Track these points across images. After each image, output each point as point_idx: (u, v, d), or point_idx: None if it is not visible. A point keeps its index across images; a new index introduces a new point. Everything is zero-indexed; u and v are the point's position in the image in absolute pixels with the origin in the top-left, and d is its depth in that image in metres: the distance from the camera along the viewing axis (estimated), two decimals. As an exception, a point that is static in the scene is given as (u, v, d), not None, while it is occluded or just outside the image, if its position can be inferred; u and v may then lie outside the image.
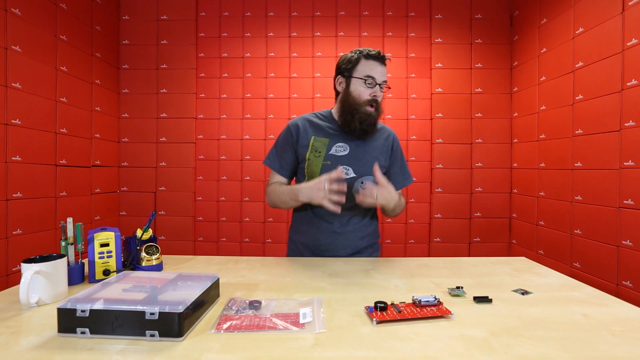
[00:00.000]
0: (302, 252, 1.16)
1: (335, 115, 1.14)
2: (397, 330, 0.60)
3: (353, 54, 1.08)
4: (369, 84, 1.05)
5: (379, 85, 1.06)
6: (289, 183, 1.19)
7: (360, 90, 1.05)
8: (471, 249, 2.54)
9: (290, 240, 1.22)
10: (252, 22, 2.57)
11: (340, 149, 1.10)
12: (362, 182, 1.10)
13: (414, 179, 1.23)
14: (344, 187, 0.95)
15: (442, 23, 2.54)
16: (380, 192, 0.97)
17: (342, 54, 2.53)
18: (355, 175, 1.09)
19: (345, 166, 1.09)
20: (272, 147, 1.18)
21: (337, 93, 1.14)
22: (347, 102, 1.07)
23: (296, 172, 1.17)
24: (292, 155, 1.13)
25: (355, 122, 1.05)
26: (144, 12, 2.54)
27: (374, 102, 1.06)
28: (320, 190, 0.94)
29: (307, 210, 1.14)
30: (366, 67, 1.05)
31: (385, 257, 1.11)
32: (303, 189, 1.00)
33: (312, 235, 1.12)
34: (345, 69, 1.08)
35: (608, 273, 1.65)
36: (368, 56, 1.05)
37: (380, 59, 1.06)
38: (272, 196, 1.13)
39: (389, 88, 1.11)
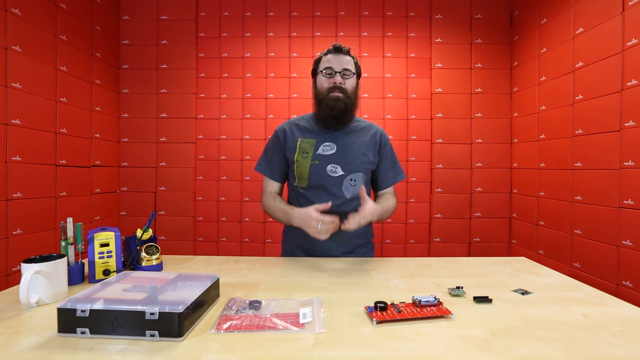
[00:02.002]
0: (296, 253, 1.16)
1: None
2: (397, 330, 0.60)
3: (318, 56, 1.15)
4: (327, 74, 1.09)
5: (339, 73, 1.09)
6: (282, 186, 1.21)
7: (322, 81, 1.11)
8: (471, 249, 2.54)
9: (283, 242, 1.24)
10: (252, 22, 2.57)
11: (327, 148, 1.11)
12: (351, 180, 1.11)
13: (405, 175, 1.24)
14: (336, 220, 0.95)
15: (442, 23, 2.54)
16: (364, 217, 0.97)
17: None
18: (344, 173, 1.10)
19: (333, 164, 1.10)
20: (262, 154, 1.20)
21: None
22: (316, 97, 1.13)
23: (287, 176, 1.19)
24: (281, 160, 1.15)
25: (325, 111, 1.08)
26: (144, 12, 2.54)
27: (337, 89, 1.08)
28: (311, 227, 0.95)
29: None
30: (325, 62, 1.11)
31: (385, 257, 1.11)
32: (295, 217, 1.02)
33: (305, 236, 1.12)
34: (312, 70, 1.16)
35: (608, 273, 1.65)
36: (327, 52, 1.12)
37: (337, 50, 1.11)
38: (267, 210, 1.16)
39: (356, 75, 1.13)
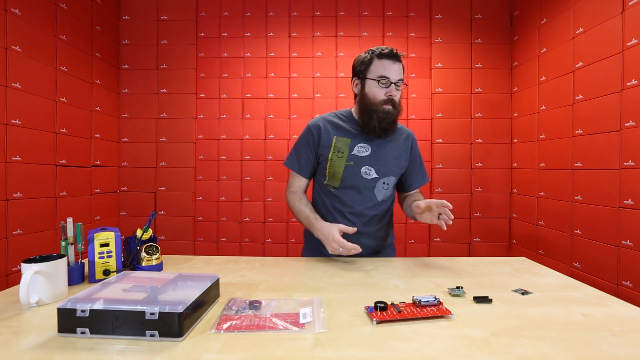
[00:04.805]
0: (320, 250, 1.14)
1: (356, 116, 1.14)
2: (397, 330, 0.60)
3: (366, 55, 1.08)
4: (382, 83, 1.05)
5: (394, 84, 1.05)
6: (309, 183, 1.20)
7: (375, 91, 1.06)
8: (471, 249, 2.54)
9: (307, 239, 1.22)
10: (252, 22, 2.57)
11: (362, 149, 1.10)
12: (384, 183, 1.11)
13: (429, 178, 1.26)
14: (357, 247, 0.96)
15: (442, 23, 2.54)
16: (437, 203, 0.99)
17: (342, 54, 2.55)
18: (377, 176, 1.10)
19: (367, 166, 1.10)
20: (292, 148, 1.19)
21: (355, 94, 1.14)
22: (364, 103, 1.08)
23: (315, 172, 1.17)
24: (312, 156, 1.14)
25: (374, 122, 1.06)
26: (144, 12, 2.54)
27: (390, 101, 1.06)
28: (331, 247, 0.98)
29: (329, 210, 1.15)
30: (379, 67, 1.05)
31: (385, 257, 1.11)
32: (318, 231, 1.03)
33: None
34: (359, 71, 1.09)
35: (608, 273, 1.65)
36: (380, 55, 1.05)
37: (393, 56, 1.05)
38: (291, 208, 1.15)
39: (407, 85, 1.12)
